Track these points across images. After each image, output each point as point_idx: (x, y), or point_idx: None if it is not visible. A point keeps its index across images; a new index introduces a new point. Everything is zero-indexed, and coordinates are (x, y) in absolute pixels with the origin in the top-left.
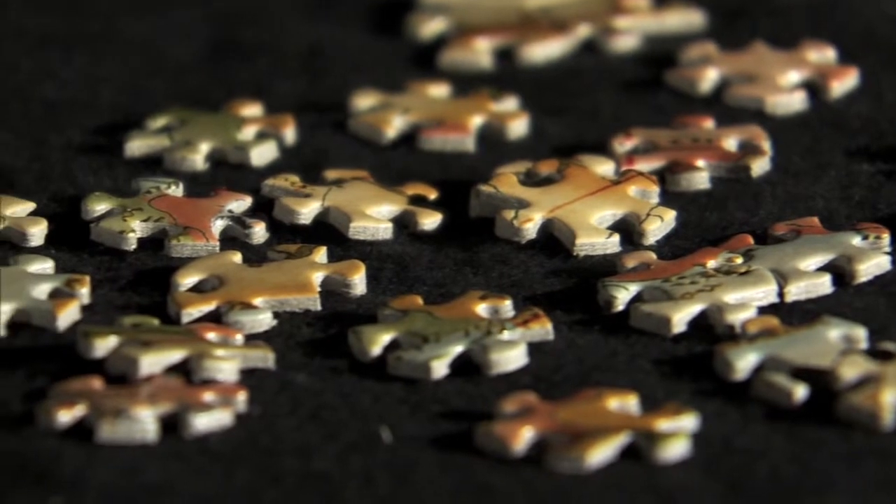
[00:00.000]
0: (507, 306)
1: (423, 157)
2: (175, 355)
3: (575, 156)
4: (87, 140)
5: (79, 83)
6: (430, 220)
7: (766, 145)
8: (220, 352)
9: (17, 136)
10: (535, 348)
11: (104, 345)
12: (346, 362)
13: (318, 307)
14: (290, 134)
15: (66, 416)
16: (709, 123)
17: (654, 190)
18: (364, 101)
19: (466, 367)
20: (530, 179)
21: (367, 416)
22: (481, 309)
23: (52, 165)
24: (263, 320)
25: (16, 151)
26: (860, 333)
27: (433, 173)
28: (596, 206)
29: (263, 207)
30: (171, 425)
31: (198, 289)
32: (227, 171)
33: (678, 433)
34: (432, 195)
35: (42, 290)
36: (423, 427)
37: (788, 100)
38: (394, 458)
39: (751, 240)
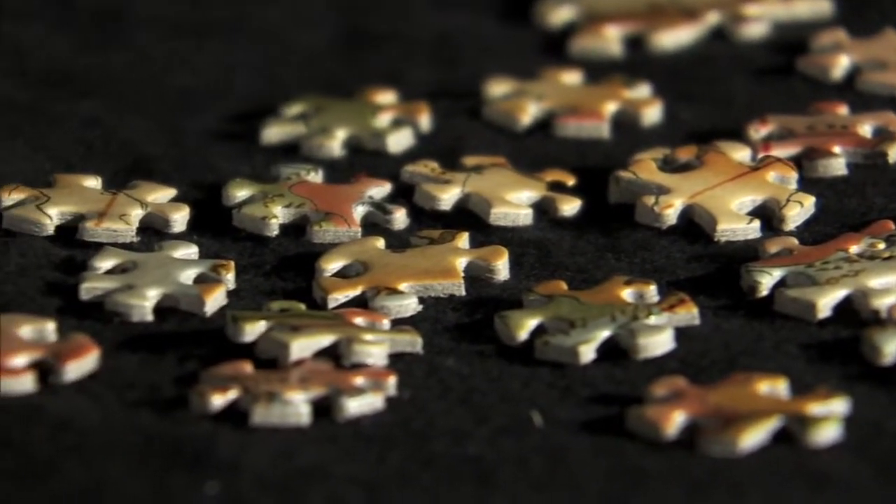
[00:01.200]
0: (652, 291)
1: (558, 144)
2: (324, 340)
3: (712, 142)
4: (223, 127)
5: (211, 71)
6: (570, 206)
7: None
8: (369, 336)
9: (154, 123)
10: (680, 333)
11: (254, 329)
12: (493, 347)
13: (463, 292)
14: (424, 121)
15: (219, 400)
16: (843, 110)
17: (793, 176)
18: (498, 88)
19: (613, 351)
20: (668, 166)
21: (516, 400)
22: (627, 294)
23: (190, 152)
24: (409, 305)
25: (153, 139)
26: None
27: (569, 160)
28: (736, 192)
29: (403, 193)
30: (322, 409)
31: (342, 274)
32: (364, 158)
33: (830, 417)
34: (570, 181)
35: (188, 276)
36: (574, 411)
37: None
38: (546, 441)
39: (892, 225)
